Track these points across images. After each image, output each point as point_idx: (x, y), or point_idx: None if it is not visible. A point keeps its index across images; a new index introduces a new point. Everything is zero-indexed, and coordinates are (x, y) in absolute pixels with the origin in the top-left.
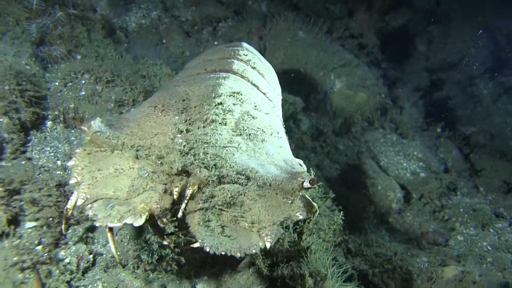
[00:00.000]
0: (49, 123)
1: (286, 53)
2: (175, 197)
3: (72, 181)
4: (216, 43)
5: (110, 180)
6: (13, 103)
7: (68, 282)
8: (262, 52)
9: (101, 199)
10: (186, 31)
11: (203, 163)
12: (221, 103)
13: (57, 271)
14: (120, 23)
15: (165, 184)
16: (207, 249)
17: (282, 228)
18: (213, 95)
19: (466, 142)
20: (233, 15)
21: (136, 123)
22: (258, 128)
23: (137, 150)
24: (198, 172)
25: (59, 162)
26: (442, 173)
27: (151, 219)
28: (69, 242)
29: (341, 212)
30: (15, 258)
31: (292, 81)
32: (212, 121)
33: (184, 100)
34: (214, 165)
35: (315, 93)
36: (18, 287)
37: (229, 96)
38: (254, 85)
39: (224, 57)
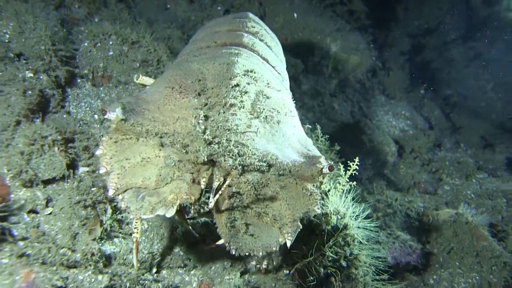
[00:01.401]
0: (79, 81)
1: (285, 18)
2: (202, 187)
3: (102, 171)
4: (219, 8)
5: (138, 169)
6: (49, 62)
7: (118, 220)
8: (262, 17)
9: (131, 188)
10: None
11: (227, 152)
12: (237, 85)
13: (110, 210)
14: None
15: (192, 173)
16: (233, 252)
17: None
18: (229, 75)
19: (447, 103)
20: None
21: (156, 106)
22: (273, 109)
23: (161, 137)
24: (223, 161)
25: (96, 116)
26: (428, 130)
27: (180, 209)
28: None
29: (357, 158)
30: (77, 197)
31: (292, 44)
32: (231, 105)
33: (200, 80)
34: (238, 153)
35: (313, 56)
36: (83, 221)
37: (244, 75)
38: (264, 58)
39: (232, 29)
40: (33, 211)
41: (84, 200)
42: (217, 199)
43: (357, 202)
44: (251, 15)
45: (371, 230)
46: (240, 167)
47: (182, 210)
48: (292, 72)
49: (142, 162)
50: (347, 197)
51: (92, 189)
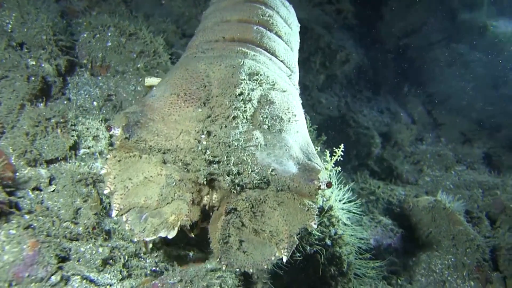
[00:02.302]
0: (78, 70)
1: None
2: (202, 208)
3: (106, 191)
4: None
5: (140, 188)
6: (51, 51)
7: None
8: None
9: (133, 208)
10: None
11: (226, 172)
12: (241, 93)
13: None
14: None
15: (192, 192)
16: (224, 267)
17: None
18: (234, 82)
19: (429, 100)
20: None
21: (161, 115)
22: (276, 116)
23: (164, 153)
24: (222, 180)
25: (95, 103)
26: (410, 124)
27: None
28: None
29: (342, 145)
30: (79, 176)
31: None
32: (234, 117)
33: (205, 86)
34: (237, 172)
35: (302, 52)
36: (85, 198)
37: (248, 80)
38: (272, 53)
39: (242, 19)
40: (37, 188)
41: (85, 179)
42: (213, 214)
43: (341, 187)
44: None
45: (355, 213)
46: (238, 187)
47: (183, 228)
48: None
49: (144, 181)
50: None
51: (93, 169)
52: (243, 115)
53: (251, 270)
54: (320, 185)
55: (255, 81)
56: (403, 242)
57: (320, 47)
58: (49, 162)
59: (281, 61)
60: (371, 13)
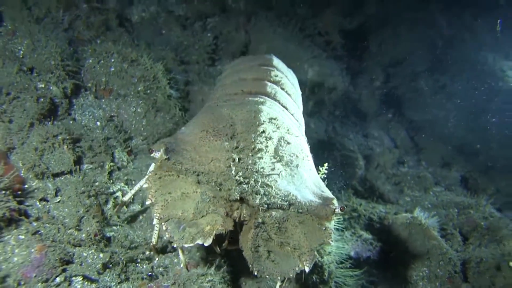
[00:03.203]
0: (83, 93)
1: (268, 45)
2: (235, 220)
3: (148, 202)
4: (209, 35)
5: (178, 202)
6: (58, 75)
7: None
8: (248, 43)
9: (172, 219)
10: (182, 24)
11: (255, 191)
12: (263, 131)
13: (112, 201)
14: (125, 15)
15: (225, 208)
16: (255, 273)
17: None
18: (256, 122)
19: (412, 126)
20: (219, 11)
21: (193, 146)
22: (292, 153)
23: (198, 175)
24: (251, 199)
25: (98, 123)
26: (393, 148)
27: (216, 239)
28: (119, 181)
29: (326, 164)
30: (83, 188)
31: None
32: (259, 150)
33: (231, 125)
34: (263, 193)
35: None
36: (87, 208)
37: (268, 122)
38: (284, 107)
39: (257, 78)
40: (44, 199)
41: (88, 191)
42: (244, 228)
43: None
44: (275, 61)
45: (337, 228)
46: (266, 205)
47: (216, 240)
48: None
49: (181, 196)
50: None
51: (96, 183)
52: (266, 149)
53: (278, 278)
54: (335, 209)
55: (274, 124)
56: (381, 255)
57: (309, 74)
58: (55, 175)
59: (292, 114)
60: (358, 46)
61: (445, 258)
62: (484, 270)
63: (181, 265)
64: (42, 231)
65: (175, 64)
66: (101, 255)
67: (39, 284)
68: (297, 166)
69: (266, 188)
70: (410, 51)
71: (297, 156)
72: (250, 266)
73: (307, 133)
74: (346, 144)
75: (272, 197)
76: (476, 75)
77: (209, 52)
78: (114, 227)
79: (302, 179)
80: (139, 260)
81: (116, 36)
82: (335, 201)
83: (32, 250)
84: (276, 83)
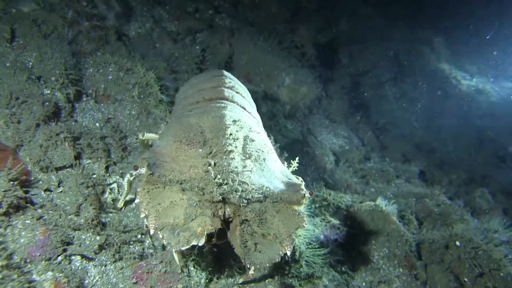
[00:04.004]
0: (84, 98)
1: (249, 56)
2: (222, 218)
3: (142, 215)
4: (197, 47)
5: (168, 211)
6: (62, 83)
7: (113, 199)
8: (232, 54)
9: (166, 227)
10: (174, 39)
11: (234, 190)
12: (230, 134)
13: (108, 191)
14: (123, 31)
15: (211, 209)
16: (248, 266)
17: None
18: (223, 126)
19: (377, 127)
20: (207, 27)
21: (171, 157)
22: (258, 149)
23: (181, 183)
24: (232, 197)
25: (97, 124)
26: (360, 146)
27: (207, 238)
28: (114, 174)
29: (297, 157)
30: (82, 180)
31: (254, 77)
32: (230, 151)
33: (201, 133)
34: (242, 190)
35: (271, 86)
36: (86, 197)
37: (233, 124)
38: (242, 107)
39: (214, 86)
40: (48, 189)
41: (87, 182)
42: (231, 225)
43: None
44: (225, 72)
45: (308, 214)
46: (245, 200)
47: (209, 239)
48: (254, 97)
49: (170, 205)
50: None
51: (93, 175)
52: (235, 149)
53: (267, 265)
54: (305, 194)
55: (238, 126)
56: (347, 238)
57: (285, 82)
58: (58, 169)
59: (249, 113)
60: (330, 57)
61: (402, 239)
62: (435, 249)
63: (178, 269)
64: (45, 217)
65: (166, 73)
66: (97, 237)
67: (43, 262)
68: (264, 160)
69: (243, 185)
70: (376, 62)
71: (262, 151)
72: (243, 260)
73: (284, 133)
74: (318, 142)
75: (249, 193)
76: (433, 83)
77: (197, 62)
78: (110, 214)
79: (271, 171)
80: (131, 242)
81: (114, 49)
82: (303, 186)
83: (37, 232)
84: (231, 88)
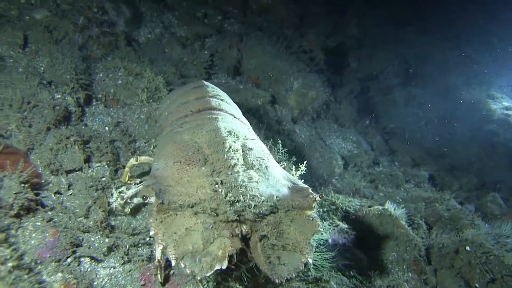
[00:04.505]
0: (94, 103)
1: (258, 61)
2: (240, 236)
3: (160, 247)
4: (206, 52)
5: (186, 238)
6: (73, 87)
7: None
8: (240, 59)
9: (186, 255)
10: (183, 44)
11: (247, 206)
12: (230, 146)
13: (116, 194)
14: (133, 36)
15: (227, 229)
16: (276, 281)
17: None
18: (220, 140)
19: (386, 132)
20: (216, 33)
21: (174, 181)
22: (258, 157)
23: (192, 207)
24: (246, 214)
25: (107, 128)
26: (369, 151)
27: (229, 259)
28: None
29: (305, 162)
30: (91, 183)
31: (263, 81)
32: (234, 165)
33: (198, 150)
34: (254, 205)
35: (279, 90)
36: (95, 200)
37: (229, 136)
38: (230, 114)
39: (198, 97)
40: (58, 192)
41: (96, 185)
42: (251, 241)
43: None
44: (205, 82)
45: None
46: (260, 216)
47: (231, 259)
48: (262, 101)
49: (186, 232)
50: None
51: (102, 179)
52: (237, 162)
53: (293, 276)
54: (316, 198)
55: (234, 136)
56: (356, 242)
57: (294, 86)
58: (68, 172)
59: (238, 119)
60: (339, 62)
61: (411, 244)
62: (445, 254)
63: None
64: (55, 219)
65: (175, 77)
66: (106, 240)
67: (53, 263)
68: (266, 167)
69: (254, 199)
70: (385, 67)
71: (262, 159)
72: (270, 276)
73: (293, 138)
74: (326, 146)
75: (261, 206)
76: (443, 88)
77: (206, 67)
78: (119, 217)
79: (275, 178)
80: (140, 245)
81: (123, 54)
82: (310, 189)
83: (47, 234)
84: (215, 96)
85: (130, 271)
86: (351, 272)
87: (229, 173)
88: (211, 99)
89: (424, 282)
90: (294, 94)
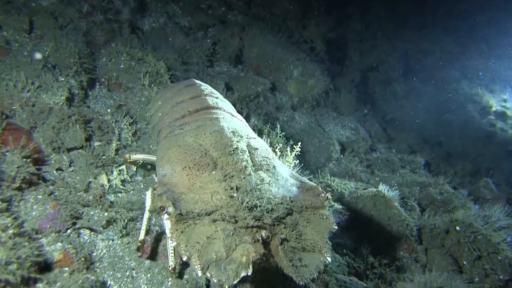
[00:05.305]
0: (97, 86)
1: (259, 49)
2: (261, 241)
3: (184, 259)
4: (208, 41)
5: (208, 247)
6: (76, 71)
7: (122, 180)
8: (242, 48)
9: (211, 264)
10: (186, 33)
11: (265, 210)
12: (236, 148)
13: (116, 172)
14: (138, 25)
15: (248, 235)
16: (301, 283)
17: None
18: (227, 142)
19: (385, 120)
20: (219, 23)
21: (186, 187)
22: (264, 157)
23: (210, 215)
24: (265, 219)
25: (108, 110)
26: (367, 137)
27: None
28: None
29: (299, 143)
30: (91, 160)
31: (263, 69)
32: (245, 168)
33: (206, 153)
34: (272, 208)
35: (279, 78)
36: (96, 176)
37: (233, 136)
38: (228, 113)
39: (193, 96)
40: (60, 169)
41: (97, 163)
42: (272, 246)
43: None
44: (196, 80)
45: None
46: (279, 218)
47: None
48: (262, 88)
49: (208, 240)
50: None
51: (103, 156)
52: (247, 163)
53: (315, 275)
54: (328, 196)
55: (238, 136)
56: (350, 222)
57: (294, 74)
58: (69, 149)
59: (235, 117)
60: (340, 54)
61: (403, 224)
62: (436, 234)
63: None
64: (56, 193)
65: (177, 64)
66: (105, 213)
67: (53, 233)
68: (274, 167)
69: (271, 202)
70: (386, 59)
71: (269, 158)
72: (295, 279)
73: (292, 125)
74: (325, 132)
75: (279, 210)
76: (443, 81)
77: (208, 55)
78: (119, 194)
79: (284, 177)
80: (138, 219)
81: (127, 41)
82: (320, 187)
83: (48, 206)
84: (210, 94)
85: (128, 243)
86: (344, 250)
87: (242, 176)
88: (207, 97)
89: (414, 260)
90: (294, 82)
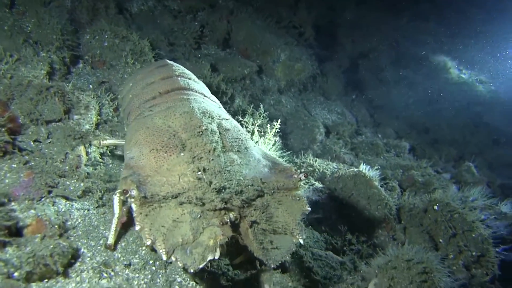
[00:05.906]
0: (81, 64)
1: (247, 32)
2: (229, 224)
3: (148, 243)
4: (196, 23)
5: (174, 230)
6: (58, 47)
7: (101, 153)
8: (229, 32)
9: (176, 248)
10: (175, 15)
11: (234, 192)
12: (206, 129)
13: (94, 142)
14: (126, 7)
15: (216, 217)
16: (272, 265)
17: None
18: (196, 123)
19: (372, 106)
20: (208, 7)
21: (153, 170)
22: (236, 138)
23: (177, 197)
24: (234, 201)
25: (91, 86)
26: (353, 121)
27: (222, 248)
28: (103, 131)
29: (279, 120)
30: (70, 132)
31: (251, 52)
32: (213, 149)
33: (174, 135)
34: (241, 190)
35: (267, 62)
36: (74, 148)
37: (204, 117)
38: (201, 93)
39: (164, 77)
40: (37, 140)
41: (74, 135)
42: (241, 227)
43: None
44: (169, 61)
45: None
46: (248, 200)
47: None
48: (248, 71)
49: (174, 224)
50: (271, 148)
51: (82, 129)
52: (216, 145)
53: (287, 258)
54: (301, 177)
55: (208, 117)
56: (329, 200)
57: (281, 58)
58: (48, 122)
59: (208, 97)
60: (331, 41)
61: (383, 203)
62: (415, 214)
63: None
64: (32, 163)
65: (163, 44)
66: (81, 184)
67: (26, 201)
68: (246, 148)
69: (240, 184)
70: (376, 47)
71: (240, 139)
72: (265, 262)
73: (279, 108)
74: (311, 116)
75: (247, 191)
76: (433, 70)
77: (196, 37)
78: (97, 167)
79: (256, 158)
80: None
81: (113, 20)
82: (293, 168)
83: (21, 175)
84: (182, 75)
85: (104, 213)
86: (322, 227)
87: (210, 158)
88: (179, 78)
89: (392, 238)
90: (281, 65)
